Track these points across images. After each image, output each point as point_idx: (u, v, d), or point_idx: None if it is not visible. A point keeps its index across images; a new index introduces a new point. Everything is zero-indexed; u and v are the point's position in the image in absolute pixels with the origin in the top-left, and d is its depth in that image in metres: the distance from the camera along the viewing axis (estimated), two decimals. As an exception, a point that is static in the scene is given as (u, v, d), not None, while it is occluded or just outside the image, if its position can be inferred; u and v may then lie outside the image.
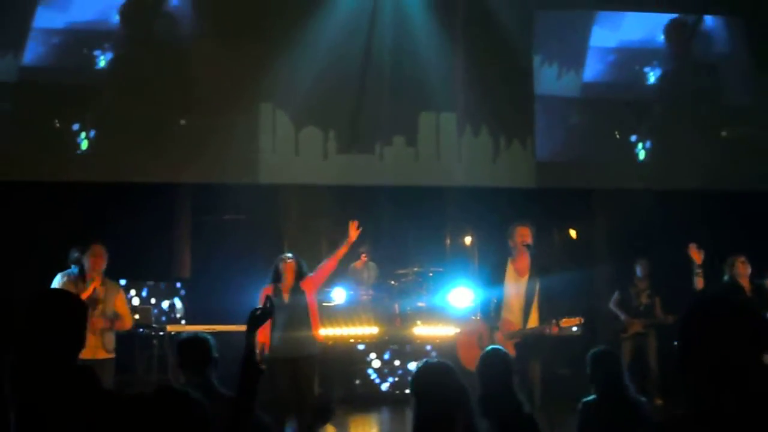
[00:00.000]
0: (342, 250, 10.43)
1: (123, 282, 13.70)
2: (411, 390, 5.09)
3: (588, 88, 15.78)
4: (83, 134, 14.33)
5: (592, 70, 15.89)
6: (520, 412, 6.39)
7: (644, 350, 13.08)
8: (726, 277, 11.22)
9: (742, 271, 11.13)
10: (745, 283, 11.10)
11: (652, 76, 16.08)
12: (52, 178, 14.32)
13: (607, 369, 6.50)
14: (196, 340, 5.76)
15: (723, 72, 16.23)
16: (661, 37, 16.15)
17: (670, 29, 16.09)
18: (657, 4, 16.03)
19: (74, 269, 9.64)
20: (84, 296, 9.12)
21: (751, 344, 3.01)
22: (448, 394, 4.91)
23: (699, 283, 10.82)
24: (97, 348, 9.10)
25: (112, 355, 9.54)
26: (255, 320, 4.98)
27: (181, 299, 14.73)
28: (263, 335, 9.51)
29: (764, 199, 14.76)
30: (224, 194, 16.09)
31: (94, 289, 9.42)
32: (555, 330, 9.34)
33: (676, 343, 3.21)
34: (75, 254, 9.95)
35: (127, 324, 9.88)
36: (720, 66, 16.23)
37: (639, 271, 13.51)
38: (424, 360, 5.38)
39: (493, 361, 6.58)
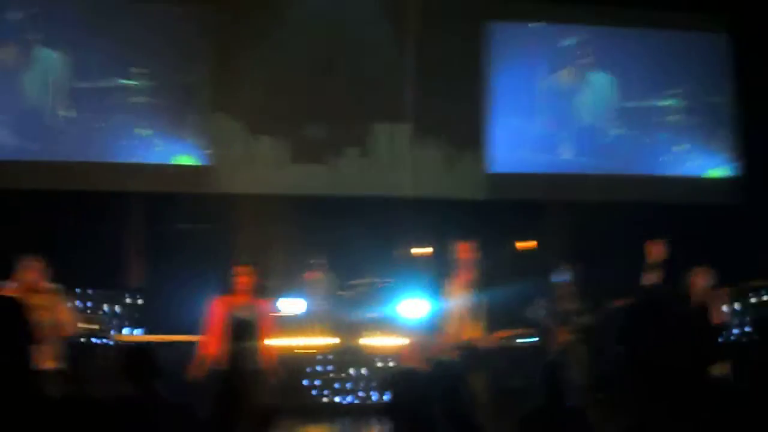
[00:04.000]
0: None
1: (77, 291, 13.74)
2: (389, 395, 5.14)
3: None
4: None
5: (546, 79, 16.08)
6: (468, 420, 6.45)
7: (574, 359, 12.50)
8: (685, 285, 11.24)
9: (698, 281, 11.13)
10: (697, 294, 11.11)
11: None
12: (10, 186, 14.31)
13: (550, 378, 6.56)
14: (139, 349, 5.74)
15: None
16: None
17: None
18: (605, 18, 16.23)
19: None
20: (15, 290, 9.09)
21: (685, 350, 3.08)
22: (420, 400, 4.97)
23: (647, 278, 10.79)
24: (43, 356, 9.02)
25: (60, 365, 9.46)
26: (237, 335, 4.94)
27: (131, 308, 14.67)
28: (212, 347, 9.51)
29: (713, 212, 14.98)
30: (178, 203, 16.07)
31: (37, 296, 9.36)
32: (491, 343, 9.46)
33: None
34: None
35: (72, 330, 9.78)
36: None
37: (561, 276, 13.12)
38: (398, 368, 5.43)
39: (439, 371, 6.64)
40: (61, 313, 9.60)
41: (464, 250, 9.77)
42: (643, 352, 2.68)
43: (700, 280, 11.13)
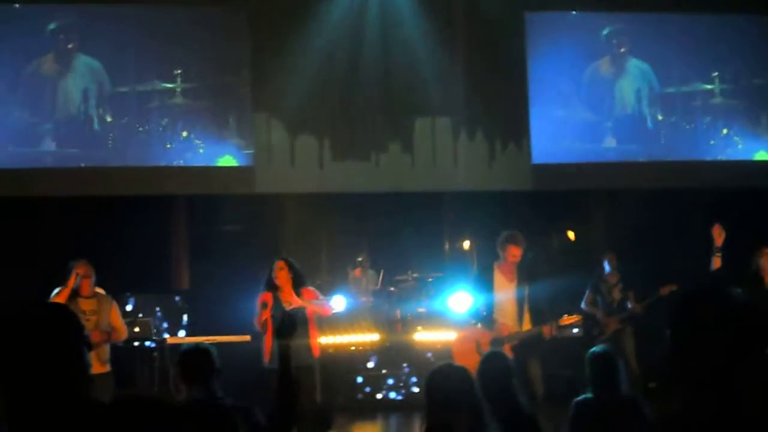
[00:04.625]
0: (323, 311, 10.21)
1: (126, 294, 13.79)
2: (424, 392, 5.06)
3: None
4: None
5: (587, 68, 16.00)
6: (521, 413, 6.38)
7: (622, 350, 12.10)
8: (753, 268, 11.09)
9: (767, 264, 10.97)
10: (767, 275, 10.97)
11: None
12: (53, 193, 14.39)
13: (603, 368, 6.49)
14: (197, 351, 5.68)
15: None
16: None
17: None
18: (644, 4, 16.09)
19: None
20: (64, 294, 9.16)
21: (739, 341, 2.98)
22: (459, 397, 4.89)
23: (716, 263, 10.68)
24: (92, 362, 9.03)
25: (107, 368, 9.49)
26: (282, 331, 4.89)
27: (177, 310, 14.70)
28: (268, 340, 9.50)
29: (760, 196, 14.82)
30: (221, 205, 16.11)
31: (87, 300, 9.41)
32: (547, 331, 9.42)
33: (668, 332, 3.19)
34: (71, 267, 9.91)
35: (123, 335, 9.84)
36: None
37: (607, 265, 12.96)
38: (442, 363, 5.35)
39: (493, 363, 6.56)
40: (112, 318, 9.66)
41: (514, 254, 9.72)
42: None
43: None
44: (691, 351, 3.00)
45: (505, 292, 9.80)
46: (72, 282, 9.41)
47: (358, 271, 15.14)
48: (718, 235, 10.53)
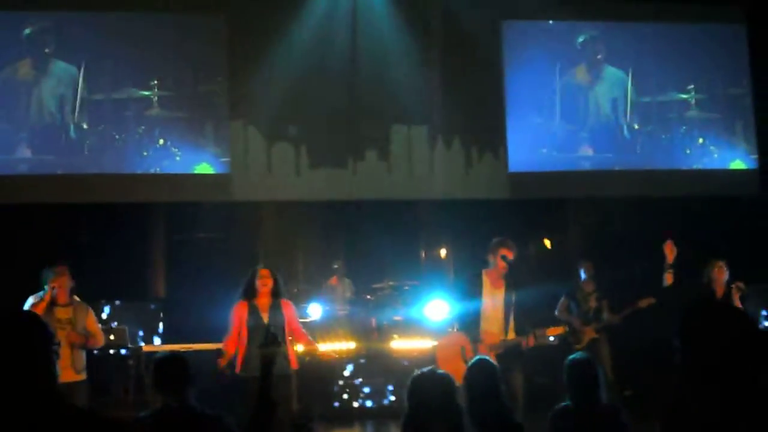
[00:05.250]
0: (309, 345, 10.26)
1: (102, 302, 13.76)
2: (406, 397, 5.05)
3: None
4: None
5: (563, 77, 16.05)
6: (509, 420, 6.37)
7: (598, 359, 11.84)
8: (705, 280, 11.26)
9: (719, 276, 11.16)
10: (719, 288, 11.14)
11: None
12: (28, 200, 14.33)
13: (582, 376, 6.49)
14: (171, 359, 5.65)
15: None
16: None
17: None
18: (620, 13, 16.19)
19: (45, 291, 9.56)
20: (41, 307, 9.11)
21: (746, 350, 3.00)
22: (441, 403, 4.87)
23: (668, 279, 10.86)
24: (65, 369, 8.99)
25: (83, 377, 9.42)
26: (267, 342, 4.89)
27: (153, 317, 14.70)
28: (231, 347, 9.49)
29: (742, 205, 14.95)
30: (198, 213, 16.09)
31: (63, 308, 9.36)
32: (531, 342, 9.42)
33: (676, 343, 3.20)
34: (49, 274, 9.86)
35: (99, 341, 9.75)
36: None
37: (583, 273, 12.96)
38: (424, 368, 5.32)
39: (481, 370, 6.55)
40: (89, 324, 9.61)
41: (506, 254, 9.71)
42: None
43: (720, 273, 11.16)
44: (709, 364, 3.01)
45: (492, 300, 9.78)
46: (48, 296, 9.35)
47: (334, 279, 15.15)
48: (670, 252, 10.69)
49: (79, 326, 9.44)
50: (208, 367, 9.43)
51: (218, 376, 8.99)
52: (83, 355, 9.51)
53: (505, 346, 9.40)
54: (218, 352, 9.25)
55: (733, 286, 11.14)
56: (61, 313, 9.40)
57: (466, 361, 9.31)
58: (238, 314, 9.56)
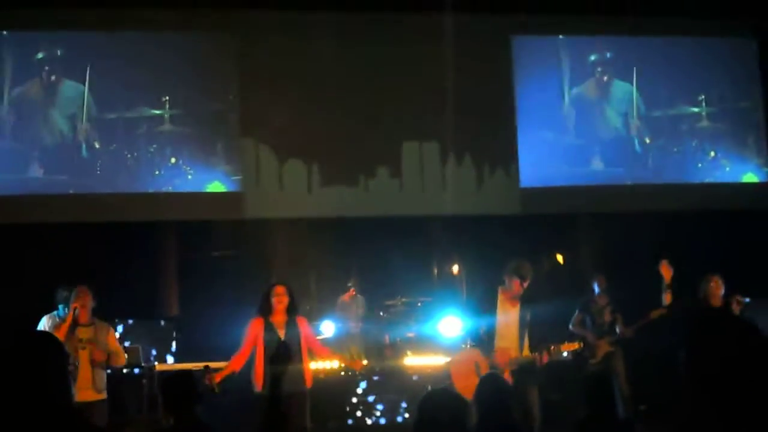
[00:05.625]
0: (330, 357, 10.38)
1: (115, 321, 13.76)
2: (416, 415, 5.02)
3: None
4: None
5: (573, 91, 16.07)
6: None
7: (614, 373, 11.92)
8: (701, 295, 11.30)
9: (715, 291, 11.19)
10: (715, 302, 11.16)
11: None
12: (40, 219, 14.36)
13: (599, 390, 6.48)
14: (178, 377, 5.65)
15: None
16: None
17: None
18: (630, 28, 16.20)
19: (60, 310, 9.58)
20: (64, 327, 9.12)
21: (757, 363, 2.99)
22: (452, 422, 4.84)
23: (667, 298, 10.99)
24: (86, 389, 9.02)
25: (103, 396, 9.44)
26: (279, 359, 4.87)
27: (166, 336, 14.71)
28: (239, 364, 9.50)
29: (748, 218, 14.90)
30: (210, 231, 16.10)
31: (85, 328, 9.36)
32: (546, 358, 9.41)
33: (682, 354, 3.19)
34: (63, 293, 9.87)
35: (121, 360, 9.81)
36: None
37: (597, 287, 12.85)
38: (438, 387, 5.30)
39: (491, 386, 6.54)
40: (110, 343, 9.63)
41: (522, 280, 9.72)
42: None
43: (716, 288, 11.19)
44: (716, 375, 3.00)
45: (507, 316, 9.77)
46: (71, 317, 9.37)
47: (347, 297, 15.12)
48: (666, 272, 10.77)
49: (101, 346, 9.46)
50: (223, 386, 9.45)
51: (207, 395, 8.98)
52: (104, 375, 9.54)
53: (519, 363, 9.39)
54: (206, 369, 9.16)
55: (732, 300, 11.18)
56: (83, 333, 9.43)
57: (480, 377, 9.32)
58: (253, 331, 9.55)
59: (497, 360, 9.51)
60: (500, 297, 9.81)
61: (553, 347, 9.50)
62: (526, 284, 9.73)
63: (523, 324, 9.64)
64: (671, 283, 10.99)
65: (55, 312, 9.69)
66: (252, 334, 9.55)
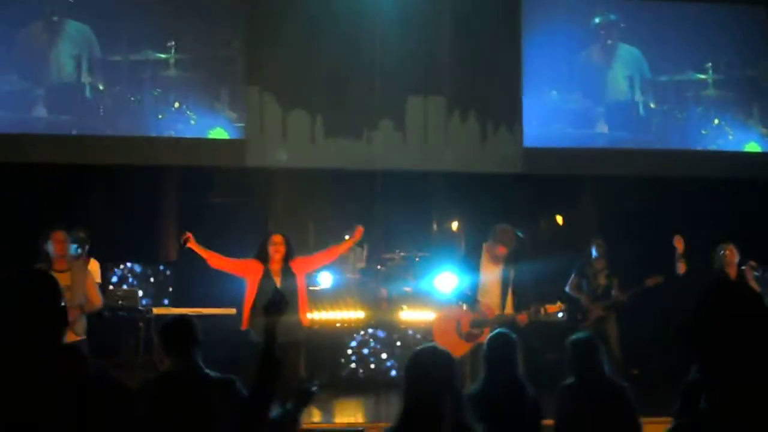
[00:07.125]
0: (342, 248, 10.41)
1: (113, 264, 13.79)
2: (405, 372, 5.03)
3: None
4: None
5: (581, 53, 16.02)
6: (525, 395, 6.43)
7: (605, 337, 11.90)
8: (715, 264, 11.34)
9: (730, 258, 11.23)
10: (731, 270, 11.19)
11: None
12: (43, 159, 14.35)
13: (584, 354, 6.52)
14: (179, 322, 5.65)
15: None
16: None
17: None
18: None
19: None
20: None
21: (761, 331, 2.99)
22: (441, 380, 4.86)
23: (681, 268, 11.06)
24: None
25: (82, 337, 9.36)
26: (271, 308, 4.87)
27: (164, 281, 14.75)
28: (214, 259, 9.60)
29: (749, 187, 14.90)
30: (211, 177, 16.10)
31: (61, 274, 9.24)
32: (524, 318, 9.46)
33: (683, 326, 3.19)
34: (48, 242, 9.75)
35: (97, 304, 9.63)
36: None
37: (594, 250, 12.80)
38: (426, 344, 5.33)
39: (499, 343, 6.61)
40: (88, 288, 9.52)
41: (504, 246, 9.75)
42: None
43: (731, 255, 11.23)
44: (722, 342, 3.00)
45: (491, 274, 9.82)
46: (58, 253, 9.30)
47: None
48: (679, 243, 10.84)
49: (77, 292, 9.29)
50: (217, 333, 9.50)
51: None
52: (83, 318, 9.43)
53: (500, 321, 9.39)
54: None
55: (745, 266, 11.21)
56: (60, 279, 9.31)
57: (460, 336, 9.42)
58: (252, 266, 9.66)
59: (484, 311, 9.57)
60: (485, 255, 9.86)
61: (534, 308, 9.55)
62: (506, 250, 9.77)
63: (505, 283, 9.69)
64: (684, 252, 11.06)
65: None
66: (251, 267, 9.63)
